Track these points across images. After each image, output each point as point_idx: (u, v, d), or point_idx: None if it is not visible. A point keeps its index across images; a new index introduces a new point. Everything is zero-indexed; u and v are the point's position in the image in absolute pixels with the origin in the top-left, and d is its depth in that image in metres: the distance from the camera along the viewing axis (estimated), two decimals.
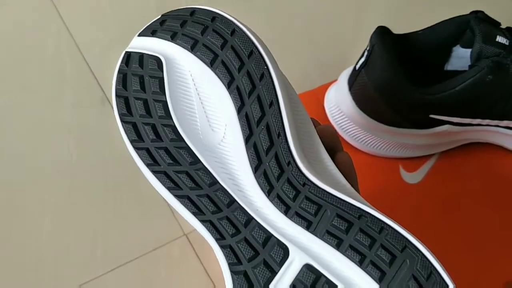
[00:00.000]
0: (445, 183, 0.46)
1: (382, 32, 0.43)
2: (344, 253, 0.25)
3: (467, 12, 0.44)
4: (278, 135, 0.27)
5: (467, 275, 0.40)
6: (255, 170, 0.27)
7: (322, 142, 0.29)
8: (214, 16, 0.28)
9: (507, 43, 0.41)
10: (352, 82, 0.45)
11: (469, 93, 0.41)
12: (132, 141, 0.28)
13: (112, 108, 0.30)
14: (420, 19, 0.48)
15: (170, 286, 0.45)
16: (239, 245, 0.26)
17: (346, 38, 0.59)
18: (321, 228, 0.26)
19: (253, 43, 0.28)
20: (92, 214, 0.48)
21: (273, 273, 0.25)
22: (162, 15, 0.30)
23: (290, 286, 0.25)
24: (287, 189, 0.26)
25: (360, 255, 0.25)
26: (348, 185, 0.28)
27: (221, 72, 0.28)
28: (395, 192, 0.46)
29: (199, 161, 0.28)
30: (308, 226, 0.26)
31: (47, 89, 0.54)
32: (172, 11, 0.30)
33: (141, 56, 0.29)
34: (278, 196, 0.27)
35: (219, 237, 0.26)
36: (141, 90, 0.28)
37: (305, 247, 0.26)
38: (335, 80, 0.48)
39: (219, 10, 0.28)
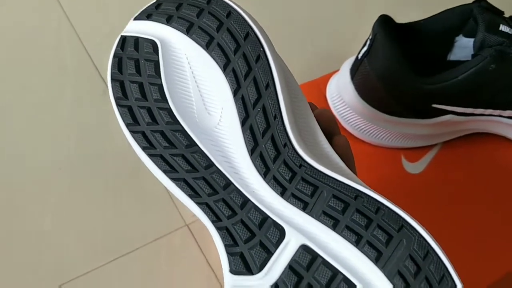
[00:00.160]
0: (447, 173, 0.46)
1: (384, 21, 0.43)
2: (340, 233, 0.25)
3: (470, 1, 0.44)
4: (275, 117, 0.27)
5: (468, 265, 0.39)
6: (252, 152, 0.27)
7: (320, 126, 0.29)
8: None
9: (510, 32, 0.41)
10: (354, 71, 0.45)
11: (471, 82, 0.41)
12: (127, 125, 0.28)
13: None
14: (423, 9, 0.48)
15: (171, 276, 0.45)
16: (235, 227, 0.26)
17: (348, 28, 0.59)
18: (317, 209, 0.25)
19: (249, 25, 0.28)
20: (93, 205, 0.48)
21: (270, 254, 0.25)
22: None
23: (286, 266, 0.25)
24: (284, 171, 0.26)
25: (357, 235, 0.25)
26: (345, 167, 0.28)
27: (216, 54, 0.28)
28: (397, 182, 0.46)
29: (195, 144, 0.27)
30: (305, 207, 0.26)
31: (48, 80, 0.55)
32: None
33: (137, 39, 0.29)
34: (275, 178, 0.26)
35: (216, 219, 0.26)
36: (136, 73, 0.28)
37: (301, 228, 0.26)
38: (337, 70, 0.48)
39: None
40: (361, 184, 0.26)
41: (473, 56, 0.41)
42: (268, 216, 0.26)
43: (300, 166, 0.26)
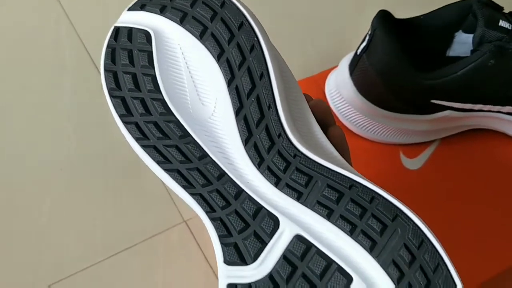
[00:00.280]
0: (445, 169, 0.45)
1: (383, 16, 0.42)
2: (334, 223, 0.25)
3: None
4: (269, 107, 0.27)
5: (466, 260, 0.39)
6: (246, 142, 0.27)
7: (315, 117, 0.29)
8: None
9: (510, 28, 0.40)
10: (353, 67, 0.44)
11: (471, 78, 0.41)
12: (121, 116, 0.28)
13: None
14: (422, 8, 0.48)
15: (169, 272, 0.45)
16: (229, 217, 0.26)
17: (348, 26, 0.59)
18: (311, 199, 0.25)
19: (243, 15, 0.27)
20: (92, 202, 0.48)
21: (264, 244, 0.25)
22: None
23: (281, 256, 0.25)
24: (278, 161, 0.26)
25: (351, 225, 0.24)
26: (340, 157, 0.27)
27: (210, 44, 0.28)
28: (395, 178, 0.46)
29: (189, 135, 0.27)
30: (299, 197, 0.26)
31: (48, 80, 0.54)
32: None
33: (130, 30, 0.29)
34: (269, 168, 0.26)
35: (209, 210, 0.26)
36: (129, 64, 0.28)
37: (295, 218, 0.25)
38: (336, 67, 0.48)
39: None
40: (355, 174, 0.25)
41: (472, 51, 0.41)
42: (262, 207, 0.26)
43: (295, 156, 0.26)
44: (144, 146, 0.27)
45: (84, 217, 0.47)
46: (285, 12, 0.61)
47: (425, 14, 0.45)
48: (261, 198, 0.26)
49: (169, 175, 0.27)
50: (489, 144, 0.47)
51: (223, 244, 0.26)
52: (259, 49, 0.27)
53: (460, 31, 0.45)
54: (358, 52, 0.44)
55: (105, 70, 0.28)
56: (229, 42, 0.27)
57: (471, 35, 0.42)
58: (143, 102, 0.28)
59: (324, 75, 0.49)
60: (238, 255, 0.25)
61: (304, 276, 0.24)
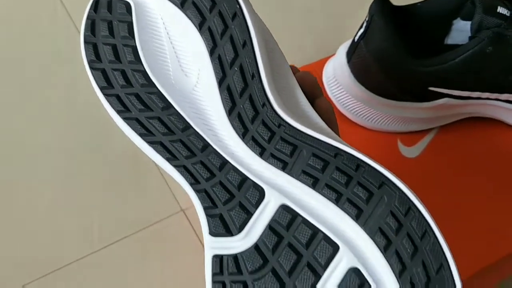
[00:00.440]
0: (443, 157, 0.45)
1: (381, 3, 0.42)
2: (320, 192, 0.24)
3: None
4: (252, 76, 0.26)
5: (465, 248, 0.39)
6: (229, 113, 0.26)
7: (302, 89, 0.29)
8: None
9: (508, 14, 0.40)
10: (351, 54, 0.44)
11: (468, 65, 0.40)
12: (101, 88, 0.27)
13: None
14: None
15: (167, 261, 0.44)
16: (214, 188, 0.25)
17: (346, 12, 0.58)
18: (297, 168, 0.25)
19: None
20: (89, 190, 0.48)
21: (249, 214, 0.25)
22: None
23: (266, 227, 0.24)
24: (262, 131, 0.26)
25: (337, 193, 0.24)
26: (325, 126, 0.27)
27: (192, 13, 0.27)
28: (393, 166, 0.45)
29: (171, 106, 0.27)
30: (284, 167, 0.25)
31: (45, 68, 0.54)
32: None
33: (110, 1, 0.28)
34: (253, 139, 0.26)
35: (194, 182, 0.26)
36: (109, 35, 0.28)
37: (281, 188, 0.25)
38: (334, 55, 0.47)
39: None
40: (341, 142, 0.25)
41: (471, 38, 0.41)
42: (247, 177, 0.25)
43: (279, 125, 0.26)
44: (125, 119, 0.27)
45: (81, 206, 0.47)
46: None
47: (423, 1, 0.44)
48: (246, 169, 0.26)
49: (152, 147, 0.26)
50: (487, 132, 0.47)
51: (208, 216, 0.25)
52: (241, 17, 0.26)
53: (458, 18, 0.44)
54: (356, 39, 0.43)
55: (85, 42, 0.28)
56: (210, 10, 0.27)
57: (469, 22, 0.42)
58: (123, 73, 0.27)
59: (321, 63, 0.48)
60: (223, 226, 0.25)
61: (290, 245, 0.24)
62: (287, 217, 0.24)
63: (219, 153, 0.26)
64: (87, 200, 0.47)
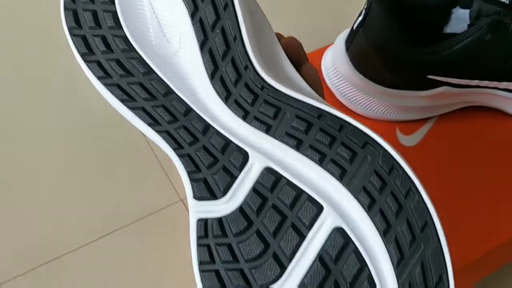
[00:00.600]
0: (442, 146, 0.45)
1: None
2: (304, 153, 0.24)
3: None
4: (234, 39, 0.26)
5: (464, 236, 0.39)
6: (212, 76, 0.26)
7: (288, 56, 0.28)
8: None
9: (507, 1, 0.39)
10: (350, 43, 0.43)
11: (467, 53, 0.40)
12: (82, 55, 0.27)
13: None
14: None
15: (165, 251, 0.44)
16: (197, 153, 0.25)
17: (346, 0, 0.58)
18: (280, 130, 0.25)
19: None
20: (88, 180, 0.47)
21: (233, 178, 0.25)
22: None
23: (251, 189, 0.24)
24: (245, 94, 0.25)
25: (320, 154, 0.24)
26: (310, 89, 0.27)
27: None
28: None
29: (153, 72, 0.26)
30: (268, 129, 0.25)
31: (43, 56, 0.53)
32: None
33: None
34: (236, 102, 0.26)
35: (177, 147, 0.25)
36: (89, 1, 0.27)
37: (265, 151, 0.25)
38: (333, 44, 0.47)
39: None
40: (324, 104, 0.25)
41: (469, 26, 0.40)
42: (231, 141, 0.25)
43: (262, 88, 0.25)
44: (107, 85, 0.26)
45: (80, 196, 0.47)
46: None
47: None
48: (229, 133, 0.25)
49: (134, 113, 0.26)
50: (486, 121, 0.46)
51: (192, 180, 0.25)
52: None
53: (458, 7, 0.43)
54: (354, 27, 0.43)
55: (65, 8, 0.27)
56: None
57: (468, 11, 0.41)
58: (104, 39, 0.27)
59: (320, 52, 0.48)
60: (207, 190, 0.25)
61: (274, 207, 0.24)
62: (271, 179, 0.24)
63: (202, 117, 0.26)
64: (86, 190, 0.47)
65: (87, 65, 0.27)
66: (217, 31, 0.26)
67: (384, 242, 0.23)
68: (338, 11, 0.57)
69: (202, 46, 0.26)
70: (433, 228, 0.22)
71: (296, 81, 0.27)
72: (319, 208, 0.23)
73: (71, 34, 0.27)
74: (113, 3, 0.27)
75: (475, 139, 0.45)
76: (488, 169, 0.43)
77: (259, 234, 0.24)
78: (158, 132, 0.26)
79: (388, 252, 0.22)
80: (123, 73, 0.26)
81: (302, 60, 0.31)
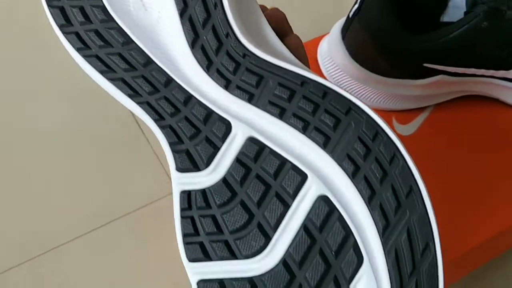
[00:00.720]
0: (438, 135, 0.44)
1: None
2: (287, 121, 0.24)
3: None
4: (215, 6, 0.25)
5: (460, 225, 0.39)
6: (192, 45, 0.25)
7: (272, 27, 0.28)
8: None
9: None
10: (345, 31, 0.43)
11: (464, 40, 0.39)
12: (60, 26, 0.26)
13: None
14: None
15: (160, 242, 0.44)
16: (179, 124, 0.25)
17: None
18: (263, 99, 0.24)
19: None
20: (83, 170, 0.47)
21: (216, 148, 0.24)
22: None
23: (234, 160, 0.24)
24: (227, 62, 0.25)
25: (304, 122, 0.23)
26: (293, 57, 0.26)
27: None
28: None
29: (132, 42, 0.26)
30: (250, 98, 0.24)
31: (36, 45, 0.52)
32: None
33: None
34: (218, 71, 0.25)
35: (158, 118, 0.25)
36: None
37: (247, 120, 0.24)
38: (329, 33, 0.46)
39: None
40: (307, 71, 0.24)
41: (466, 13, 0.39)
42: (213, 111, 0.25)
43: (244, 56, 0.25)
44: (86, 56, 0.26)
45: (76, 186, 0.46)
46: None
47: None
48: (211, 103, 0.25)
49: (114, 84, 0.25)
50: (483, 110, 0.46)
51: (175, 152, 0.25)
52: None
53: None
54: (350, 16, 0.42)
55: None
56: None
57: None
58: (82, 10, 0.26)
59: (316, 41, 0.47)
60: (190, 162, 0.24)
61: (258, 177, 0.24)
62: (255, 149, 0.24)
63: (183, 87, 0.25)
64: (81, 180, 0.46)
65: (65, 36, 0.26)
66: None
67: (369, 209, 0.22)
68: (339, 1, 0.56)
69: (182, 14, 0.25)
70: (418, 194, 0.22)
71: (279, 49, 0.27)
72: (303, 177, 0.23)
73: (49, 6, 0.26)
74: None
75: (472, 129, 0.45)
76: (485, 158, 0.43)
77: (243, 204, 0.24)
78: (139, 103, 0.25)
79: (373, 219, 0.22)
80: (102, 43, 0.26)
81: (286, 31, 0.30)
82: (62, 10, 0.26)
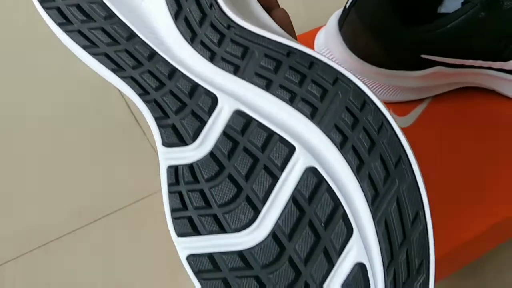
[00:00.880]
0: (436, 127, 0.44)
1: None
2: (274, 93, 0.23)
3: None
4: None
5: (458, 216, 0.38)
6: (176, 17, 0.25)
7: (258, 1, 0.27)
8: None
9: None
10: (342, 22, 0.42)
11: (461, 31, 0.39)
12: (41, 2, 0.26)
13: None
14: None
15: (158, 235, 0.44)
16: (164, 98, 0.24)
17: None
18: (249, 71, 0.24)
19: None
20: (80, 163, 0.47)
21: (203, 122, 0.24)
22: None
23: (221, 133, 0.24)
24: (211, 34, 0.24)
25: (291, 93, 0.23)
26: (279, 28, 0.26)
27: None
28: None
29: (115, 15, 0.25)
30: (236, 70, 0.24)
31: (30, 38, 0.51)
32: None
33: None
34: (202, 43, 0.24)
35: (143, 92, 0.25)
36: None
37: (234, 93, 0.24)
38: (325, 25, 0.45)
39: None
40: (293, 41, 0.24)
41: (463, 4, 0.39)
42: (198, 84, 0.24)
43: (229, 27, 0.24)
44: (68, 32, 0.25)
45: (71, 180, 0.46)
46: None
47: None
48: (196, 76, 0.24)
49: (97, 59, 0.25)
50: (480, 102, 0.45)
51: (160, 126, 0.24)
52: None
53: None
54: (347, 6, 0.41)
55: None
56: None
57: None
58: None
59: (313, 33, 0.46)
60: (176, 136, 0.24)
61: (245, 150, 0.23)
62: (242, 122, 0.23)
63: (167, 61, 0.25)
64: (77, 173, 0.46)
65: (46, 12, 0.25)
66: None
67: (357, 179, 0.22)
68: None
69: None
70: (407, 163, 0.22)
71: (266, 22, 0.26)
72: (291, 149, 0.23)
73: None
74: None
75: (470, 120, 0.44)
76: (483, 150, 0.42)
77: (231, 178, 0.23)
78: (123, 77, 0.25)
79: (362, 189, 0.22)
80: (84, 18, 0.25)
81: (273, 4, 0.30)
82: None
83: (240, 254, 0.23)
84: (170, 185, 0.24)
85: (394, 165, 0.22)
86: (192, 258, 0.23)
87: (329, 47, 0.44)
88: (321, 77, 0.23)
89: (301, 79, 0.23)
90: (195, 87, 0.24)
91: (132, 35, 0.25)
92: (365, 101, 0.22)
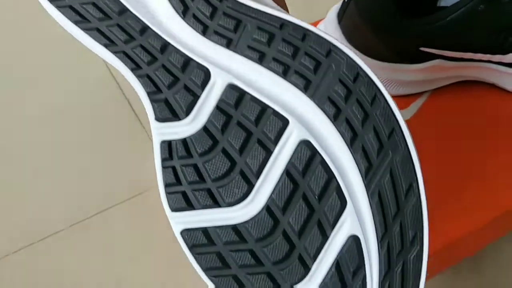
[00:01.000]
0: (435, 120, 0.43)
1: None
2: (267, 66, 0.23)
3: None
4: None
5: (457, 210, 0.38)
6: None
7: None
8: None
9: None
10: (342, 15, 0.41)
11: (460, 24, 0.38)
12: None
13: None
14: None
15: (157, 230, 0.44)
16: (156, 72, 0.24)
17: None
18: (242, 44, 0.24)
19: None
20: (78, 157, 0.47)
21: (196, 97, 0.24)
22: None
23: (214, 107, 0.23)
24: (203, 7, 0.24)
25: (284, 66, 0.23)
26: (272, 2, 0.25)
27: None
28: None
29: None
30: (228, 43, 0.24)
31: (27, 34, 0.51)
32: None
33: None
34: (194, 16, 0.24)
35: (135, 67, 0.24)
36: None
37: (227, 67, 0.24)
38: (325, 18, 0.45)
39: None
40: (286, 14, 0.24)
41: None
42: (191, 58, 0.24)
43: (221, 0, 0.24)
44: (59, 7, 0.25)
45: (70, 174, 0.46)
46: None
47: None
48: (189, 50, 0.24)
49: (88, 34, 0.25)
50: (480, 95, 0.44)
51: (153, 101, 0.24)
52: None
53: None
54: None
55: None
56: None
57: None
58: None
59: (314, 26, 0.46)
60: (169, 111, 0.24)
61: (239, 124, 0.23)
62: (235, 95, 0.23)
63: (159, 35, 0.25)
64: (76, 167, 0.46)
65: None
66: None
67: (351, 151, 0.22)
68: None
69: None
70: (400, 134, 0.22)
71: None
72: (285, 122, 0.23)
73: None
74: None
75: (469, 114, 0.44)
76: (482, 144, 0.42)
77: (225, 152, 0.23)
78: (115, 52, 0.25)
79: (355, 161, 0.22)
80: None
81: None
82: None
83: (234, 228, 0.23)
84: (163, 160, 0.24)
85: (388, 137, 0.22)
86: (186, 233, 0.23)
87: None
88: (315, 49, 0.23)
89: (294, 52, 0.23)
90: (187, 61, 0.24)
91: (123, 10, 0.25)
92: (359, 73, 0.22)
